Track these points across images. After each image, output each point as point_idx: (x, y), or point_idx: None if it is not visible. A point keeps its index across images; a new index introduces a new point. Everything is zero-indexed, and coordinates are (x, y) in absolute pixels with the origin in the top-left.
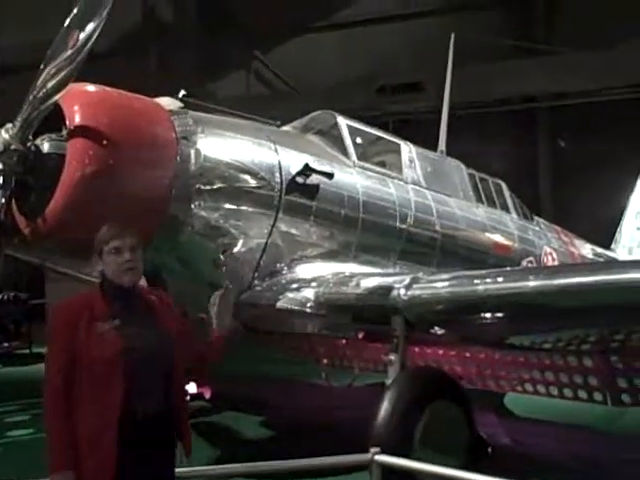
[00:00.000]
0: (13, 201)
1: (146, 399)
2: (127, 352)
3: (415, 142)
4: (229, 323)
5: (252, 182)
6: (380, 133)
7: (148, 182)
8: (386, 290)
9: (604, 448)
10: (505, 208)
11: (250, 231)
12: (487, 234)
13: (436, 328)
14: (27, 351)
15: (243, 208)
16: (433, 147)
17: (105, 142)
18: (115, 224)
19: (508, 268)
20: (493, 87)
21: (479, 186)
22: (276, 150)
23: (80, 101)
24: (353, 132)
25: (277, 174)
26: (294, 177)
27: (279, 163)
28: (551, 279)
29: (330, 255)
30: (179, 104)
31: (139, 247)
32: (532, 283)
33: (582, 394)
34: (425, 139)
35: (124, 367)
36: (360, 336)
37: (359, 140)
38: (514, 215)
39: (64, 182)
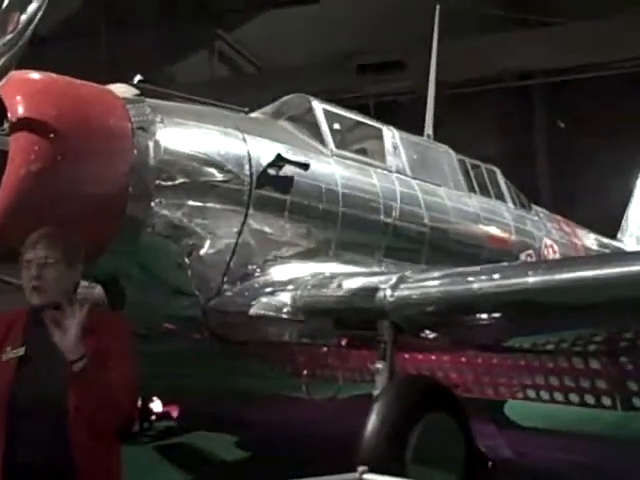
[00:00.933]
0: None
1: (31, 450)
2: (16, 389)
3: (399, 126)
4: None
5: (218, 176)
6: (360, 118)
7: (102, 179)
8: (371, 291)
9: (614, 457)
10: (500, 197)
11: (218, 230)
12: (481, 226)
13: (427, 332)
14: None
15: (209, 205)
16: (419, 132)
17: (52, 136)
18: (45, 230)
19: (505, 263)
20: (484, 63)
21: (471, 173)
22: (244, 139)
23: (23, 90)
24: (330, 117)
25: (246, 166)
26: (265, 169)
27: (248, 154)
28: (552, 274)
29: (308, 254)
30: (134, 91)
31: (61, 262)
32: (532, 279)
33: (589, 399)
34: (410, 123)
35: (9, 407)
36: (343, 343)
37: (337, 126)
38: (510, 204)
39: (7, 181)
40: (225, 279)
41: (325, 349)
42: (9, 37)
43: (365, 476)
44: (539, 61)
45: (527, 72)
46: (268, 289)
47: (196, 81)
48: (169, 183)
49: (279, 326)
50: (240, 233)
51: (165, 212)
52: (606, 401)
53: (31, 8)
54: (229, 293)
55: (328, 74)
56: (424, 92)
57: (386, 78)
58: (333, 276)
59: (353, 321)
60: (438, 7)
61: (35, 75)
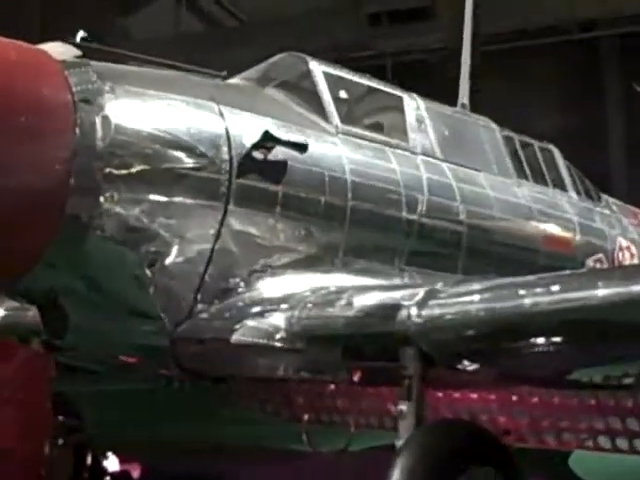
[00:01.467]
0: None
1: None
2: None
3: (425, 94)
4: None
5: (188, 161)
6: (374, 83)
7: (32, 167)
8: (390, 310)
9: None
10: (559, 185)
11: (188, 232)
12: (534, 223)
13: (466, 362)
14: None
15: (176, 200)
16: (451, 100)
17: None
18: None
19: (567, 272)
20: (535, 10)
21: (520, 154)
22: (221, 113)
23: None
24: (334, 83)
25: (224, 148)
26: (249, 152)
27: (226, 132)
28: (630, 285)
29: (307, 263)
30: (76, 52)
31: None
32: (602, 292)
33: None
34: (439, 89)
35: None
36: (355, 378)
37: (343, 94)
38: (573, 195)
39: None
40: (199, 297)
41: (332, 387)
42: None
43: None
44: (609, 6)
45: (592, 20)
46: (256, 309)
47: (157, 37)
48: (123, 172)
49: (271, 357)
50: (218, 236)
51: (118, 210)
52: None
53: None
54: (204, 315)
55: (331, 26)
56: (457, 48)
57: (408, 30)
58: (341, 291)
59: (368, 350)
60: None
61: None
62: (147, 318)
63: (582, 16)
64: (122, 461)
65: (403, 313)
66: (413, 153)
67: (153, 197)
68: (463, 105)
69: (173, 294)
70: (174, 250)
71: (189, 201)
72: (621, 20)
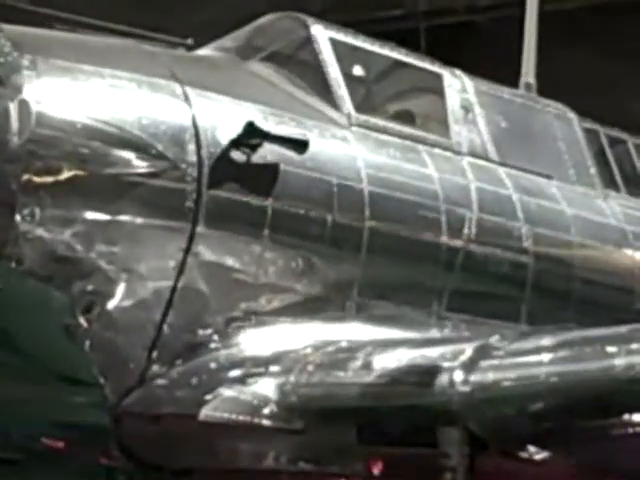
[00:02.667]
0: None
1: None
2: None
3: (473, 70)
4: None
5: (139, 165)
6: (401, 55)
7: None
8: (426, 375)
9: None
10: None
11: (139, 265)
12: (629, 252)
13: (532, 449)
14: None
15: (123, 219)
16: (511, 79)
17: None
18: None
19: None
20: None
21: (609, 155)
22: (187, 97)
23: None
24: (345, 54)
25: (191, 146)
26: (226, 151)
27: (194, 123)
28: None
29: (308, 307)
30: None
31: None
32: None
33: None
34: (493, 62)
35: None
36: (376, 471)
37: (358, 70)
38: None
39: None
40: (154, 355)
41: None
42: None
43: None
44: None
45: None
46: (235, 373)
47: None
48: (48, 179)
49: (257, 441)
50: (181, 270)
51: (41, 232)
52: None
53: None
54: (162, 381)
55: None
56: (518, 6)
57: None
58: (355, 347)
59: (393, 431)
60: None
61: None
62: (80, 385)
63: None
64: None
65: (443, 379)
66: (457, 153)
67: (90, 215)
68: (528, 85)
69: (117, 352)
70: (120, 290)
71: (141, 220)
72: None
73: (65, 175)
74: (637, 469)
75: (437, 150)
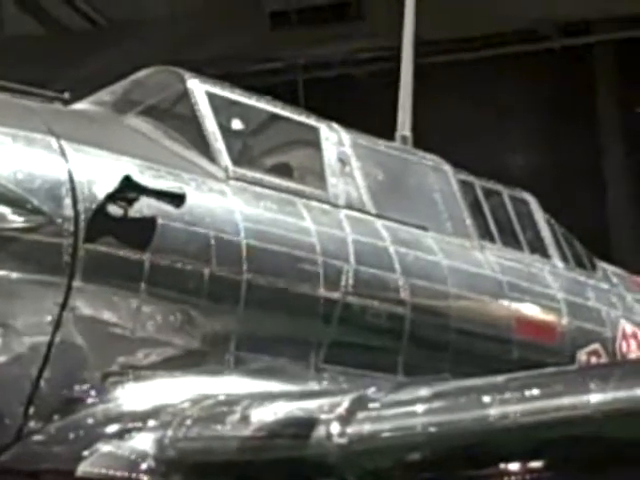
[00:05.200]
0: None
1: None
2: None
3: (350, 123)
4: None
5: (14, 219)
6: (278, 108)
7: None
8: (303, 428)
9: None
10: (539, 249)
11: (15, 320)
12: (504, 303)
13: None
14: None
15: None
16: (388, 131)
17: None
18: None
19: (549, 370)
20: (502, 7)
21: (484, 206)
22: (63, 152)
23: None
24: (222, 108)
25: (67, 200)
26: (103, 205)
27: (70, 178)
28: (634, 388)
29: (186, 361)
30: None
31: None
32: (597, 398)
33: None
34: (370, 115)
35: None
36: None
37: (236, 124)
38: (557, 262)
39: None
40: (30, 411)
41: None
42: None
43: None
44: (601, 5)
45: (582, 22)
46: (112, 428)
47: None
48: None
49: None
50: (58, 325)
51: None
52: None
53: None
54: (38, 437)
55: (219, 30)
56: (394, 60)
57: (327, 34)
58: (233, 401)
59: None
60: None
61: None
62: None
63: (566, 16)
64: None
65: (320, 431)
66: (334, 206)
67: None
68: (404, 138)
69: None
70: None
71: (16, 275)
72: (618, 21)
73: None
74: None
75: (314, 203)
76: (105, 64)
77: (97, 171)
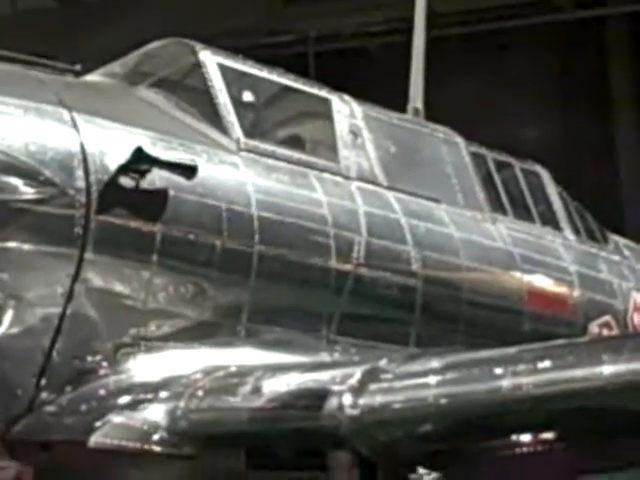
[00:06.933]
0: None
1: None
2: None
3: (362, 95)
4: None
5: (27, 191)
6: (290, 80)
7: None
8: (315, 399)
9: None
10: (550, 221)
11: (27, 292)
12: (516, 274)
13: (421, 471)
14: None
15: (10, 245)
16: (399, 104)
17: None
18: None
19: (561, 342)
20: None
21: (495, 179)
22: (75, 123)
23: None
24: (234, 80)
25: (79, 172)
26: (114, 177)
27: (82, 149)
28: None
29: (197, 332)
30: None
31: None
32: (609, 369)
33: None
34: (382, 87)
35: None
36: None
37: (248, 96)
38: (569, 234)
39: None
40: (43, 382)
41: None
42: None
43: None
44: None
45: None
46: (124, 399)
47: None
48: None
49: (147, 467)
50: (70, 296)
51: None
52: None
53: None
54: (50, 408)
55: (235, 3)
56: (406, 32)
57: (338, 7)
58: (245, 372)
59: (283, 454)
60: None
61: None
62: None
63: None
64: None
65: (332, 403)
66: (346, 178)
67: None
68: (416, 110)
69: (5, 379)
70: (7, 317)
71: (28, 247)
72: None
73: None
74: None
75: (326, 175)
76: (115, 36)
77: (109, 143)
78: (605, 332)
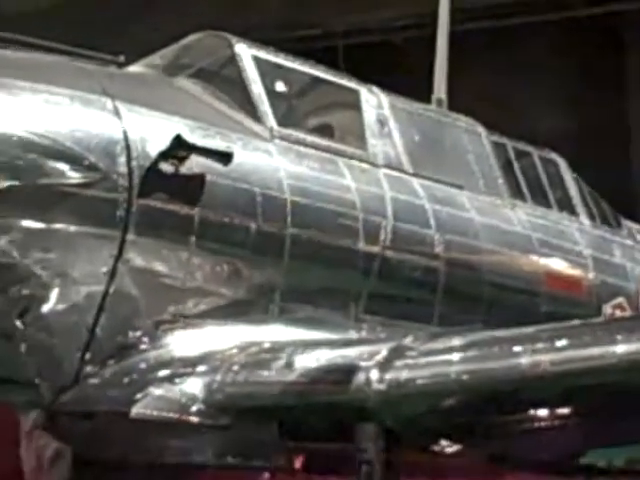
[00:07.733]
0: None
1: None
2: None
3: (389, 86)
4: None
5: (72, 176)
6: (321, 72)
7: None
8: (343, 374)
9: None
10: (567, 207)
11: (73, 271)
12: (534, 258)
13: (444, 443)
14: None
15: (57, 227)
16: (424, 94)
17: None
18: None
19: (576, 322)
20: None
21: (515, 166)
22: (117, 112)
23: None
24: (268, 71)
25: (121, 158)
26: (155, 163)
27: (125, 136)
28: None
29: (233, 310)
30: None
31: None
32: (622, 348)
33: None
34: (408, 79)
35: None
36: (297, 465)
37: (280, 86)
38: (585, 220)
39: None
40: (87, 356)
41: (266, 476)
42: None
43: None
44: None
45: None
46: (163, 372)
47: (31, 11)
48: None
49: (185, 437)
50: (113, 275)
51: None
52: None
53: None
54: (94, 380)
55: None
56: (431, 27)
57: (365, 1)
58: (277, 348)
59: (313, 426)
60: None
61: None
62: (16, 385)
63: None
64: None
65: (360, 378)
66: (373, 165)
67: (25, 223)
68: (439, 101)
69: (52, 353)
70: (54, 294)
71: (74, 228)
72: None
73: (1, 185)
74: (539, 460)
75: (354, 162)
76: (152, 29)
77: (150, 130)
78: (618, 313)
